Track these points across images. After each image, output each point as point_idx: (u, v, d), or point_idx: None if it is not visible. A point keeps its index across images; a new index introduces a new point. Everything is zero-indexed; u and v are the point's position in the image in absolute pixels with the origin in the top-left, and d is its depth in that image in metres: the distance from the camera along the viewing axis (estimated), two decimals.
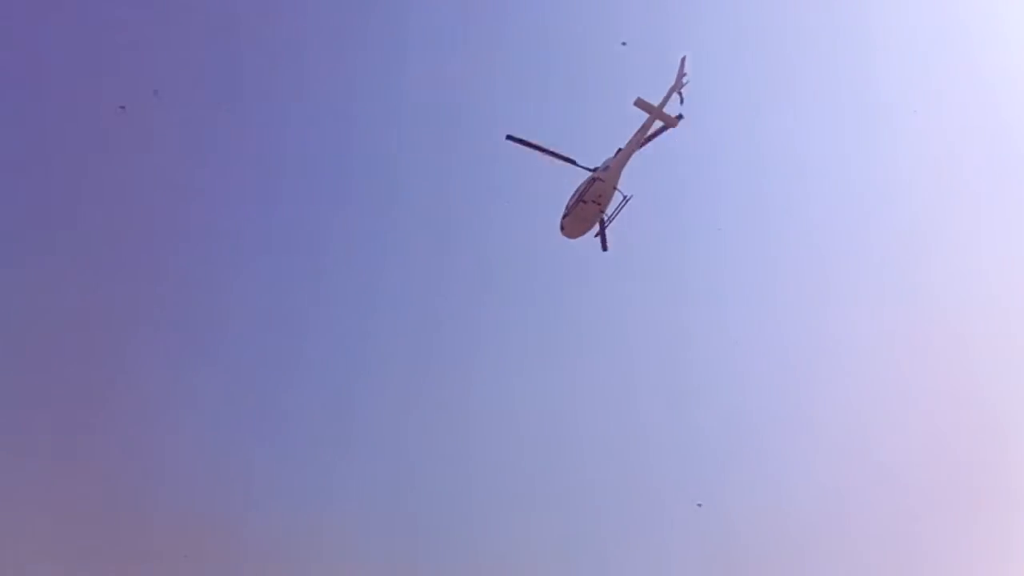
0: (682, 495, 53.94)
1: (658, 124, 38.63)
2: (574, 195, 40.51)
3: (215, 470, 52.02)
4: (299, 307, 58.63)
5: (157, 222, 57.64)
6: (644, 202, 41.25)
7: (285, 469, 53.19)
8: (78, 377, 52.50)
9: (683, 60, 38.51)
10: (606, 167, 39.70)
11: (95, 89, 56.38)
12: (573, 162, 40.04)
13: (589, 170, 40.31)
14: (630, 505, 54.66)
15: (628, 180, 40.31)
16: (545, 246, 44.67)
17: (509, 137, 39.08)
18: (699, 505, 51.85)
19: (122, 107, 53.60)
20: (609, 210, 40.25)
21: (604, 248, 41.31)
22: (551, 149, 39.62)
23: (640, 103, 38.14)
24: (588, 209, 39.91)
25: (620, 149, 39.71)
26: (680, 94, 37.92)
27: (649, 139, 39.33)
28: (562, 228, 41.17)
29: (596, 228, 41.12)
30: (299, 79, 61.00)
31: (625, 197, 39.83)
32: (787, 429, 58.02)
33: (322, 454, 54.46)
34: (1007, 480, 57.91)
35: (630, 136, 38.95)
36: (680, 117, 38.17)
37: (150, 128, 56.04)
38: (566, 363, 57.88)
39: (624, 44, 49.73)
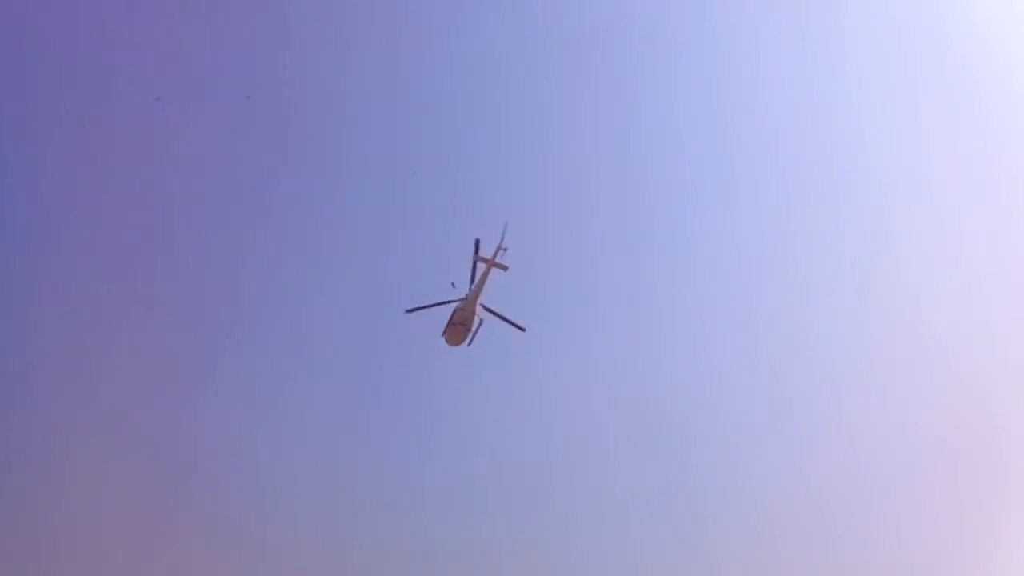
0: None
1: None
2: (450, 316, 54.57)
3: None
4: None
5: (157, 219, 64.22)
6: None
7: None
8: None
9: (505, 224, 51.03)
10: (465, 298, 53.56)
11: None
12: (450, 301, 54.09)
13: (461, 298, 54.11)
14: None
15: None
16: None
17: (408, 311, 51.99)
18: None
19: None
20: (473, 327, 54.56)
21: (469, 344, 55.41)
22: (437, 302, 52.66)
23: (479, 258, 51.36)
24: (458, 329, 54.10)
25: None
26: (503, 248, 50.90)
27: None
28: (445, 339, 55.78)
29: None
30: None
31: (481, 320, 53.86)
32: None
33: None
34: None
35: (476, 279, 52.56)
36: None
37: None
38: None
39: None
